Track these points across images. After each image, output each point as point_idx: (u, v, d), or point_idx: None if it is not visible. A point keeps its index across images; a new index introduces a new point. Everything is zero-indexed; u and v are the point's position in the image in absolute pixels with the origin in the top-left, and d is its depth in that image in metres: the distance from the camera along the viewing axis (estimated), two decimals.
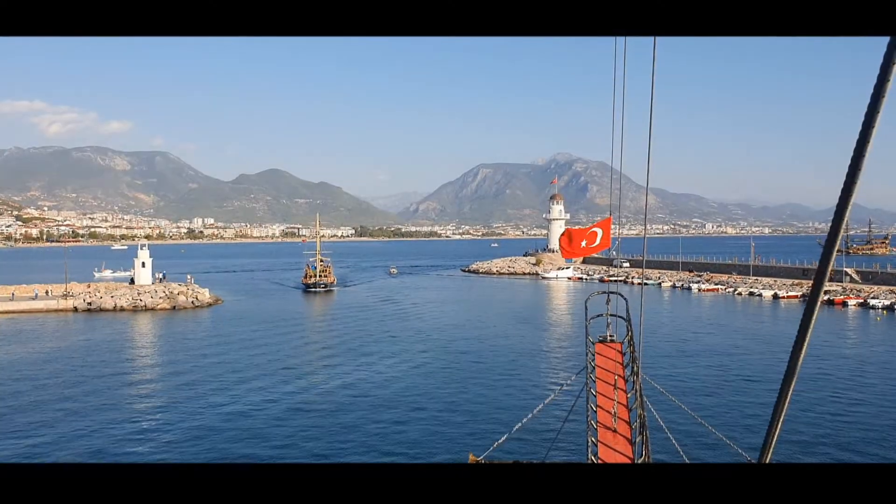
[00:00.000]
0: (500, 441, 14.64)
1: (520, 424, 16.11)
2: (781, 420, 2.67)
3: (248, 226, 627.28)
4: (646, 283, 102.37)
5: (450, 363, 43.02)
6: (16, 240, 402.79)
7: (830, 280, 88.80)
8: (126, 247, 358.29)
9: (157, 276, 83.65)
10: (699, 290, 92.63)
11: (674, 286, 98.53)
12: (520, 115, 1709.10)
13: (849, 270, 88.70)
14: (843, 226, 1.99)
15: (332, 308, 78.29)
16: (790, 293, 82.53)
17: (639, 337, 13.52)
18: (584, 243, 16.53)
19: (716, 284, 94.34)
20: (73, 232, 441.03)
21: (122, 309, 74.81)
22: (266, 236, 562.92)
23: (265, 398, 34.30)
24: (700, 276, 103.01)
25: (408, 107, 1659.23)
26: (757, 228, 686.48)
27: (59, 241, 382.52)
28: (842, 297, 76.35)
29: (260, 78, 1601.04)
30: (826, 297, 76.67)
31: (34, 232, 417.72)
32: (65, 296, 76.66)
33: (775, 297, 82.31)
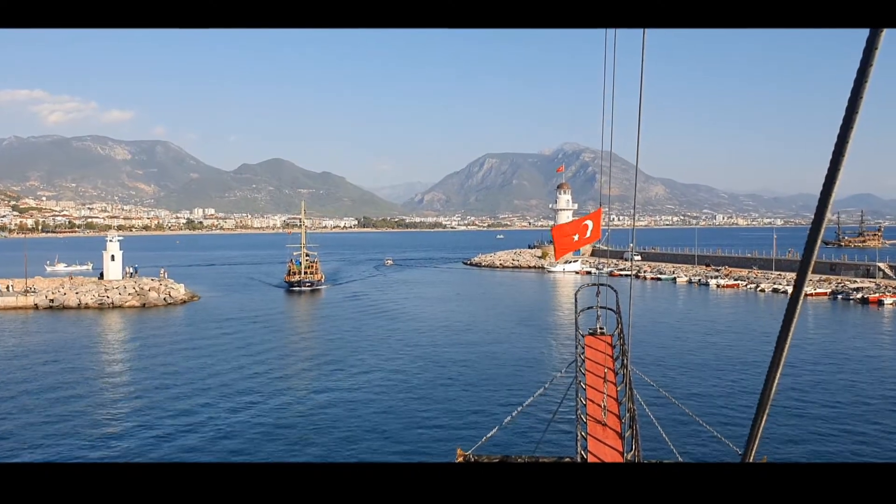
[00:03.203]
0: (488, 435, 14.41)
1: (509, 418, 15.79)
2: (765, 418, 2.59)
3: (249, 216, 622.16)
4: (659, 278, 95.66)
5: (439, 359, 41.29)
6: (10, 230, 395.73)
7: (863, 276, 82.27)
8: (122, 237, 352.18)
9: (127, 270, 76.89)
10: (717, 285, 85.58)
11: (690, 281, 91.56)
12: (526, 104, 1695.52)
13: (881, 265, 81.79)
14: (826, 217, 2.03)
15: (314, 309, 71.47)
16: (818, 290, 75.34)
17: (628, 329, 13.28)
18: (576, 237, 16.74)
19: (735, 280, 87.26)
20: (69, 222, 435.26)
21: (87, 306, 68.36)
22: (267, 227, 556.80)
23: (230, 411, 30.19)
24: (718, 270, 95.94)
25: (412, 96, 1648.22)
26: (769, 220, 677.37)
27: (54, 232, 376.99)
28: (877, 294, 69.24)
29: (262, 66, 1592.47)
30: (859, 296, 70.08)
31: (29, 222, 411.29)
32: (25, 292, 70.09)
33: None
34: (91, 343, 48.58)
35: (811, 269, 2.13)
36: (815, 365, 38.82)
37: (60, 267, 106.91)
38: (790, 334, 2.28)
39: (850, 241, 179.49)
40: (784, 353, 2.36)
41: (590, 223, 16.83)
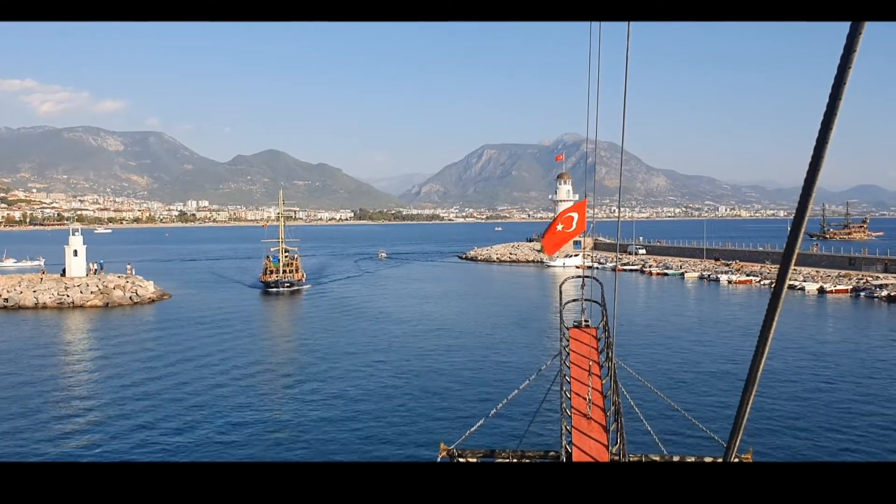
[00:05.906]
0: (472, 429, 14.22)
1: (494, 412, 15.29)
2: (746, 417, 2.58)
3: (244, 208, 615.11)
4: (666, 273, 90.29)
5: (422, 357, 40.30)
6: None
7: (886, 271, 76.69)
8: (111, 230, 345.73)
9: (91, 266, 70.76)
10: (729, 281, 79.88)
11: (700, 277, 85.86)
12: (526, 94, 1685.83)
13: None
14: (809, 209, 2.00)
15: (291, 311, 65.55)
16: (839, 286, 69.77)
17: (613, 322, 13.44)
18: (559, 227, 16.81)
19: (748, 275, 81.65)
20: (58, 215, 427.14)
21: (45, 306, 62.51)
22: (260, 219, 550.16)
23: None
24: (728, 265, 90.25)
25: (410, 86, 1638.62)
26: (772, 211, 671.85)
27: (42, 225, 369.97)
28: None
29: (257, 56, 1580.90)
30: (885, 293, 64.39)
31: (17, 215, 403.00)
32: None
33: (821, 290, 69.47)
34: (37, 348, 42.73)
35: (794, 261, 2.07)
36: (843, 370, 35.50)
37: (9, 263, 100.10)
38: (772, 329, 2.19)
39: (835, 233, 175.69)
40: (766, 349, 2.27)
41: (574, 215, 16.59)
